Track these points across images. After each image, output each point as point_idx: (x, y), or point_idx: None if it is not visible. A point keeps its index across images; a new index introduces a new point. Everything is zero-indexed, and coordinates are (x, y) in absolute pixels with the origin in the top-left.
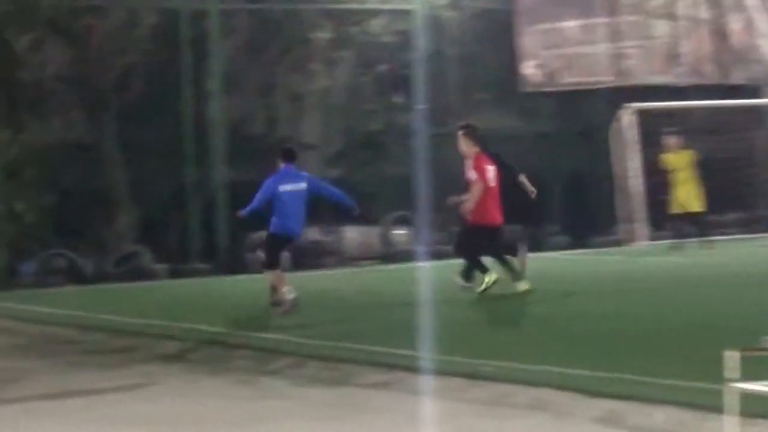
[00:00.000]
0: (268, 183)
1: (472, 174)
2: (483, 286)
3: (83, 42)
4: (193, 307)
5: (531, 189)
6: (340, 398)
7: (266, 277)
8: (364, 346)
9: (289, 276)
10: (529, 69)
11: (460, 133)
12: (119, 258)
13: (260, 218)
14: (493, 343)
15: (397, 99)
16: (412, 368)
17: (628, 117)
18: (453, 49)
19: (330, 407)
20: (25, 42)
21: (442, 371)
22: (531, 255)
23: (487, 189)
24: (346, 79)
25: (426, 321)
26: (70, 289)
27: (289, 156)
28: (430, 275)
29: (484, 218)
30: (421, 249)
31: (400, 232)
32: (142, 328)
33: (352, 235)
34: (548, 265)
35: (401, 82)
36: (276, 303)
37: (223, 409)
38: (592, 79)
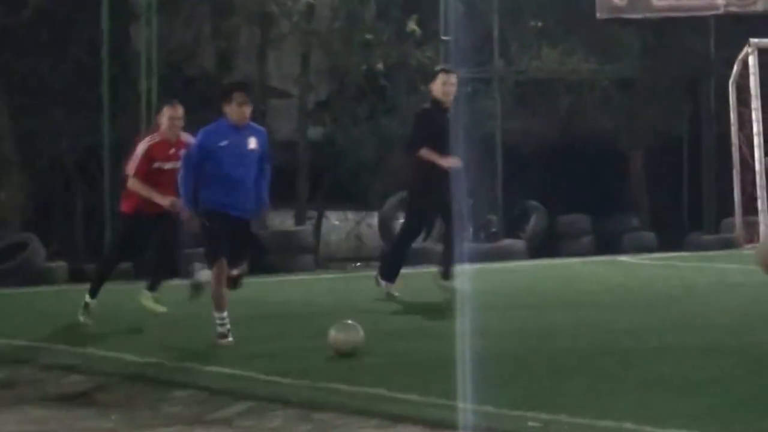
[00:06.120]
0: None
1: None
2: None
3: None
4: (110, 323)
5: None
6: None
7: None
8: (337, 385)
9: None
10: None
11: None
12: None
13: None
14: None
15: (412, 27)
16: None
17: (753, 60)
18: None
19: None
20: None
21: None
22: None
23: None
24: None
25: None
26: None
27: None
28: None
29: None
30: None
31: None
32: (30, 354)
33: (337, 224)
34: (622, 272)
35: (418, 2)
36: None
37: None
38: (699, 2)
